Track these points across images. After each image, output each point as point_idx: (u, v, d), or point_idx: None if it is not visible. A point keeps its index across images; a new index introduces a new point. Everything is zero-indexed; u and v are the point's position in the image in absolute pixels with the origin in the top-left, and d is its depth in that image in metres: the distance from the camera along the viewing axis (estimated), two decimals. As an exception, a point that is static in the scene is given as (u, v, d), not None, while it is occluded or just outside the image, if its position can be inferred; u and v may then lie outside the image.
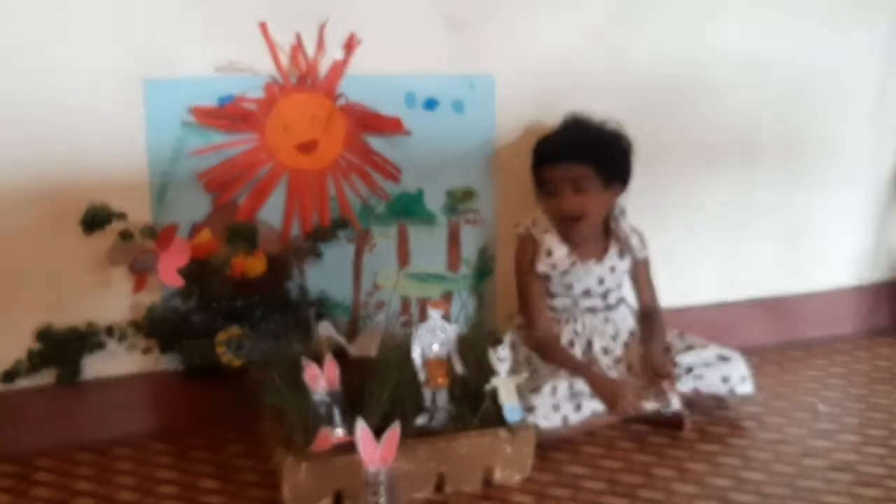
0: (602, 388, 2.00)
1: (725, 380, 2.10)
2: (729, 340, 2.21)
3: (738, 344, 2.20)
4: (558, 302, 2.19)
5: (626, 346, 2.18)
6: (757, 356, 2.17)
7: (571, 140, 2.14)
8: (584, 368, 2.05)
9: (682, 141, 2.47)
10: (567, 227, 2.14)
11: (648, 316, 2.24)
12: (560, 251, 2.15)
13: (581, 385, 1.98)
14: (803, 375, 2.41)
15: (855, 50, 2.63)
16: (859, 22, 2.62)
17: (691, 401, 2.08)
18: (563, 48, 2.30)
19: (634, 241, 2.22)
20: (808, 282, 2.69)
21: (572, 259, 2.15)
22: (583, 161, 2.09)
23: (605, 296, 2.20)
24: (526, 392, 1.90)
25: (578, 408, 1.97)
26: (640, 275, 2.27)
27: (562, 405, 1.94)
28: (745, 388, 2.12)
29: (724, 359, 2.11)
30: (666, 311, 2.29)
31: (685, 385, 2.07)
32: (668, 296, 2.33)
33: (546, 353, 2.09)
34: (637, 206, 2.27)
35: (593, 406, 1.98)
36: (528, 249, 2.17)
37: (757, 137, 2.56)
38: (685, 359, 2.10)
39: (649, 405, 2.02)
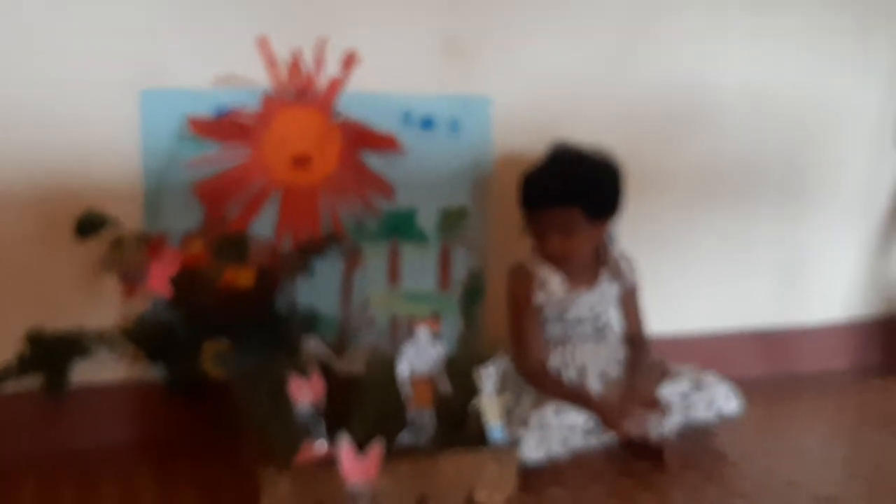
0: (602, 410, 1.99)
1: (710, 404, 2.08)
2: (720, 371, 2.18)
3: (729, 375, 2.16)
4: (550, 329, 2.17)
5: (616, 373, 2.17)
6: (747, 388, 2.16)
7: (557, 182, 2.08)
8: (579, 394, 2.03)
9: (680, 170, 2.48)
10: (555, 263, 2.14)
11: (635, 345, 2.22)
12: (554, 282, 2.14)
13: (572, 418, 1.97)
14: (791, 409, 2.40)
15: (855, 84, 2.64)
16: (860, 56, 2.63)
17: (681, 433, 2.07)
18: (561, 72, 2.31)
19: (624, 266, 2.21)
20: (802, 316, 2.69)
21: (566, 288, 2.14)
22: (570, 204, 2.06)
23: (595, 322, 2.19)
24: (514, 421, 1.91)
25: (566, 441, 1.96)
26: (629, 303, 2.24)
27: (550, 438, 1.94)
28: (731, 406, 2.10)
29: (704, 384, 2.09)
30: (658, 339, 2.29)
31: (675, 418, 2.06)
32: (661, 325, 2.33)
33: (538, 382, 2.08)
34: (633, 235, 2.28)
35: (582, 439, 1.98)
36: (524, 281, 2.14)
37: (755, 169, 2.56)
38: (676, 388, 2.08)
39: (650, 427, 2.00)
